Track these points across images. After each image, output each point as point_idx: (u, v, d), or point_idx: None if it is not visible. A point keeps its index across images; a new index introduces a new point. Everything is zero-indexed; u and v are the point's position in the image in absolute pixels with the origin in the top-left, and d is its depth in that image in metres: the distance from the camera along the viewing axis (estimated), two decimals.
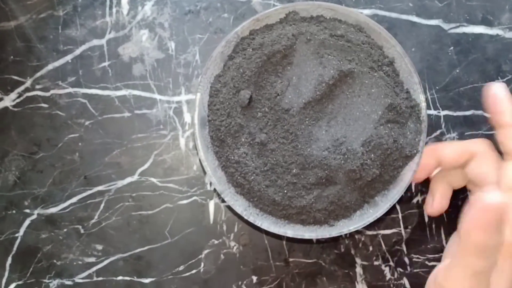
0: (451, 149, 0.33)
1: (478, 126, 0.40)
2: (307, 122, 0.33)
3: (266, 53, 0.33)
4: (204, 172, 0.34)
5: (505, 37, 0.40)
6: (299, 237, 0.34)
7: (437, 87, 0.40)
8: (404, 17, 0.40)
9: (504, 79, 0.40)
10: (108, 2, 0.39)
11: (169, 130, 0.39)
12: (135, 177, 0.39)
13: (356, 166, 0.32)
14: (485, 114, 0.40)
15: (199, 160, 0.34)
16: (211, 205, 0.39)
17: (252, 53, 0.33)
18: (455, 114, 0.40)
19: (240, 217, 0.34)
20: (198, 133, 0.34)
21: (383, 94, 0.33)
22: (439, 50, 0.40)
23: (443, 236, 0.39)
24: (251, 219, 0.34)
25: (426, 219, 0.39)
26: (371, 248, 0.40)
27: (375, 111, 0.33)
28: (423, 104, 0.33)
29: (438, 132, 0.39)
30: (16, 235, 0.39)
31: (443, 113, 0.40)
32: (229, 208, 0.37)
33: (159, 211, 0.39)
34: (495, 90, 0.32)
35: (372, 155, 0.33)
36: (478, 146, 0.33)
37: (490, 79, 0.40)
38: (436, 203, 0.34)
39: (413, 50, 0.40)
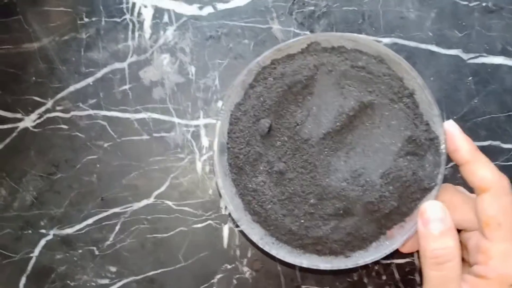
0: None
1: (495, 156, 0.40)
2: (326, 152, 0.33)
3: (287, 82, 0.33)
4: (221, 197, 0.34)
5: None
6: (314, 267, 0.34)
7: (455, 117, 0.40)
8: (423, 46, 0.40)
9: None
10: (130, 26, 0.40)
11: (186, 154, 0.39)
12: (151, 200, 0.39)
13: (375, 198, 0.32)
14: (502, 145, 0.40)
15: (217, 187, 0.34)
16: (226, 229, 0.39)
17: (273, 83, 0.33)
18: None
19: (255, 245, 0.34)
20: (217, 160, 0.34)
21: (403, 126, 0.33)
22: (458, 80, 0.40)
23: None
24: (266, 248, 0.34)
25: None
26: (384, 277, 0.39)
27: (394, 143, 0.33)
28: (443, 137, 0.33)
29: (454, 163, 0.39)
30: (31, 255, 0.39)
31: None
32: (244, 235, 0.37)
33: (174, 234, 0.39)
34: (449, 128, 0.33)
35: (391, 187, 0.33)
36: (442, 195, 0.33)
37: (508, 109, 0.40)
38: (408, 243, 0.34)
39: (431, 80, 0.40)
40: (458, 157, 0.32)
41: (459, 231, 0.34)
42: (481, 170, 0.31)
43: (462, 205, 0.33)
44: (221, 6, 0.40)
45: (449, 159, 0.33)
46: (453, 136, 0.33)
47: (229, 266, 0.39)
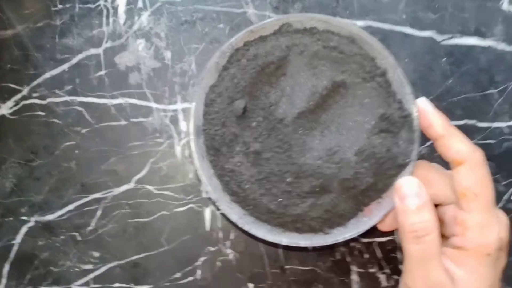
0: None
1: (471, 135, 0.41)
2: (301, 131, 0.34)
3: (260, 64, 0.34)
4: (200, 181, 0.34)
5: (498, 49, 0.41)
6: (294, 245, 0.34)
7: (430, 97, 0.40)
8: (397, 28, 0.40)
9: (497, 89, 0.41)
10: (105, 12, 0.39)
11: (165, 138, 0.40)
12: (131, 185, 0.39)
13: (350, 175, 0.33)
14: (478, 124, 0.41)
15: (195, 170, 0.35)
16: (207, 212, 0.40)
17: (247, 64, 0.34)
18: None
19: (235, 226, 0.35)
20: (193, 142, 0.34)
21: (376, 105, 0.34)
22: (433, 61, 0.41)
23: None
24: (246, 228, 0.34)
25: None
26: (366, 256, 0.40)
27: (368, 121, 0.34)
28: (416, 114, 0.34)
29: (431, 141, 0.40)
30: (13, 242, 0.39)
31: None
32: (224, 216, 0.38)
33: (156, 218, 0.39)
34: (421, 105, 0.33)
35: (366, 164, 0.33)
36: (415, 172, 0.34)
37: (482, 89, 0.41)
38: (388, 221, 0.35)
39: (406, 61, 0.40)
40: (432, 133, 0.33)
41: (435, 206, 0.35)
42: (456, 143, 0.32)
43: (437, 180, 0.34)
44: None
45: (425, 138, 0.34)
46: (426, 112, 0.33)
47: (212, 249, 0.40)
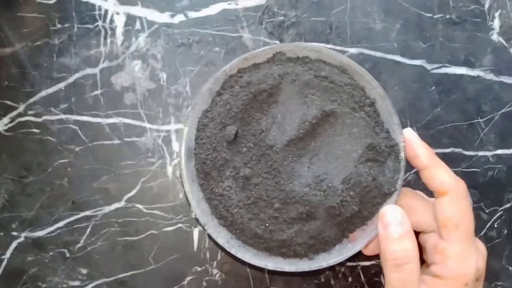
0: None
1: (457, 163, 0.41)
2: (290, 158, 0.35)
3: (253, 91, 0.34)
4: (189, 204, 0.35)
5: (486, 78, 0.42)
6: (279, 269, 0.35)
7: (418, 125, 0.41)
8: (389, 56, 0.41)
9: (484, 119, 0.41)
10: (103, 33, 0.40)
11: (157, 158, 0.40)
12: (122, 203, 0.40)
13: (336, 202, 0.33)
14: (464, 152, 0.42)
15: (185, 193, 0.35)
16: (196, 232, 0.40)
17: (239, 91, 0.34)
18: (435, 151, 0.41)
19: (222, 249, 0.35)
20: (184, 165, 0.35)
21: (364, 134, 0.34)
22: (422, 89, 0.41)
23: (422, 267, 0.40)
24: (232, 251, 0.35)
25: None
26: (350, 279, 0.41)
27: (355, 150, 0.34)
28: (402, 144, 0.35)
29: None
30: (3, 257, 0.39)
31: None
32: (212, 239, 0.38)
33: (144, 237, 0.40)
34: (408, 135, 0.34)
35: (352, 192, 0.34)
36: (400, 199, 0.35)
37: (470, 118, 0.41)
38: (371, 245, 0.36)
39: (396, 89, 0.41)
40: (418, 163, 0.34)
41: (417, 233, 0.36)
42: (440, 174, 0.33)
43: (420, 208, 0.34)
44: (192, 14, 0.40)
45: (410, 166, 0.35)
46: (412, 143, 0.34)
47: (199, 269, 0.40)
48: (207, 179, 0.35)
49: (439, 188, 0.33)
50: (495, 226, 0.42)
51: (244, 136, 0.35)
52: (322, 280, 0.40)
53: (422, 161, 0.33)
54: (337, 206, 0.33)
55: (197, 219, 0.38)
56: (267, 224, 0.34)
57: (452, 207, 0.32)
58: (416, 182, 0.40)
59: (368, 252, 0.36)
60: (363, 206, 0.34)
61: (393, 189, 0.35)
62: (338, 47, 0.41)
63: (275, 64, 0.35)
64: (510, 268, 0.41)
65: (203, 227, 0.35)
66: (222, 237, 0.35)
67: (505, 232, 0.42)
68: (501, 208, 0.42)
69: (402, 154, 0.35)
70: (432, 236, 0.34)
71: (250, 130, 0.35)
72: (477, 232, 0.41)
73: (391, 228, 0.32)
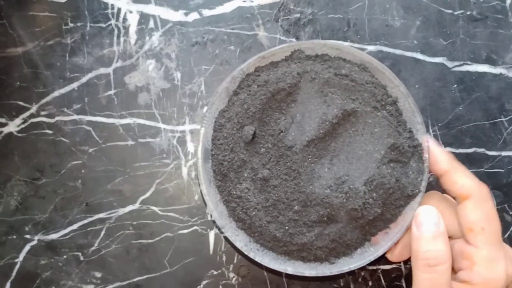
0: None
1: (480, 163, 0.40)
2: (309, 159, 0.34)
3: (271, 90, 0.33)
4: (205, 204, 0.34)
5: (509, 76, 0.41)
6: (299, 274, 0.34)
7: (439, 124, 0.40)
8: (408, 54, 0.40)
9: (507, 118, 0.40)
10: (116, 32, 0.39)
11: (172, 159, 0.39)
12: (136, 205, 0.39)
13: (358, 205, 0.33)
14: (487, 152, 0.40)
15: (201, 193, 0.34)
16: (212, 235, 0.39)
17: (257, 90, 0.34)
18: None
19: (240, 252, 0.34)
20: (201, 167, 0.34)
21: (386, 134, 0.33)
22: (443, 87, 0.40)
23: None
24: (251, 255, 0.34)
25: None
26: (370, 283, 0.40)
27: (377, 150, 0.33)
28: (426, 144, 0.34)
29: None
30: (16, 260, 0.39)
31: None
32: (229, 242, 0.38)
33: (159, 240, 0.39)
34: (428, 143, 0.34)
35: (374, 194, 0.33)
36: (428, 202, 0.34)
37: (492, 117, 0.40)
38: (397, 251, 0.35)
39: (416, 87, 0.40)
40: (437, 169, 0.33)
41: None
42: (461, 178, 0.32)
43: (448, 212, 0.33)
44: (207, 12, 0.40)
45: None
46: (434, 150, 0.33)
47: (215, 272, 0.39)
48: (224, 180, 0.34)
49: (461, 192, 0.32)
50: None
51: (262, 136, 0.34)
52: (342, 284, 0.40)
53: (441, 166, 0.33)
54: (359, 208, 0.33)
55: (214, 222, 0.37)
56: (286, 227, 0.34)
57: (477, 210, 0.31)
58: (438, 184, 0.39)
59: (394, 258, 0.35)
60: (386, 209, 0.34)
61: (417, 190, 0.34)
62: (356, 45, 0.40)
63: (293, 62, 0.34)
64: None
65: (220, 230, 0.34)
66: (240, 240, 0.34)
67: None
68: None
69: (426, 155, 0.34)
70: (458, 242, 0.33)
71: (268, 130, 0.34)
72: (501, 234, 0.40)
73: (425, 227, 0.31)
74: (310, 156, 0.34)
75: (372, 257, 0.34)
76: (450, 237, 0.34)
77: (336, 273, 0.34)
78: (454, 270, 0.33)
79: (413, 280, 0.31)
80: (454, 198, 0.33)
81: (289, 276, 0.39)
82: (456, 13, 0.40)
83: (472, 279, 0.31)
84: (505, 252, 0.31)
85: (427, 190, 0.34)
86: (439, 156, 0.33)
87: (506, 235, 0.40)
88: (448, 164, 0.33)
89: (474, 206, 0.31)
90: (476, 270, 0.31)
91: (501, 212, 0.40)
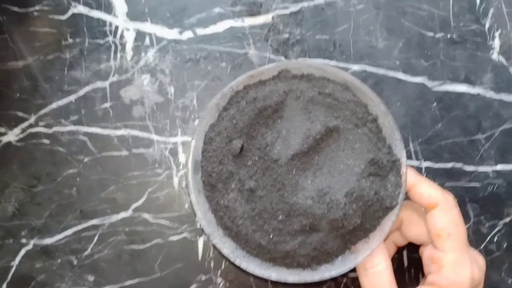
0: None
1: (457, 178, 0.42)
2: (294, 172, 0.35)
3: (259, 107, 0.35)
4: (195, 214, 0.36)
5: (486, 96, 0.42)
6: (282, 280, 0.36)
7: (420, 140, 0.42)
8: (391, 73, 0.42)
9: (484, 135, 0.42)
10: (113, 48, 0.41)
11: (164, 169, 0.41)
12: (129, 213, 0.41)
13: (339, 215, 0.34)
14: (465, 167, 0.42)
15: (191, 202, 0.36)
16: (200, 242, 0.41)
17: (245, 106, 0.35)
18: (436, 165, 0.42)
19: (227, 259, 0.36)
20: (191, 178, 0.36)
21: (366, 149, 0.35)
22: (423, 105, 0.42)
23: (421, 280, 0.40)
24: (237, 262, 0.35)
25: (405, 263, 0.41)
26: None
27: (358, 164, 0.35)
28: (403, 160, 0.35)
29: None
30: (12, 263, 0.40)
31: (424, 164, 0.42)
32: (217, 249, 0.39)
33: (150, 246, 0.41)
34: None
35: (354, 205, 0.34)
36: (401, 212, 0.36)
37: (470, 134, 0.42)
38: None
39: (398, 105, 0.42)
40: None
41: (417, 245, 0.37)
42: (427, 190, 0.34)
43: (420, 221, 0.36)
44: (200, 31, 0.42)
45: None
46: None
47: (203, 277, 0.41)
48: (213, 191, 0.36)
49: (428, 202, 0.34)
50: (495, 239, 0.42)
51: (249, 150, 0.36)
52: None
53: (408, 181, 0.35)
54: (340, 219, 0.34)
55: (202, 230, 0.39)
56: (271, 236, 0.35)
57: (443, 217, 0.33)
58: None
59: None
60: (365, 219, 0.35)
61: (394, 203, 0.35)
62: (341, 64, 0.42)
63: (280, 81, 0.36)
64: (509, 281, 0.42)
65: (208, 237, 0.36)
66: (227, 247, 0.36)
67: (505, 245, 0.42)
68: (500, 222, 0.42)
69: (403, 169, 0.35)
70: (428, 248, 0.35)
71: (256, 144, 0.36)
72: (477, 245, 0.42)
73: None
74: (294, 169, 0.35)
75: (352, 265, 0.35)
76: (421, 244, 0.36)
77: (318, 280, 0.36)
78: (424, 275, 0.35)
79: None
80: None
81: (274, 282, 0.41)
82: (437, 35, 0.42)
83: (439, 281, 0.33)
84: (471, 256, 0.34)
85: None
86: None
87: (481, 247, 0.42)
88: (413, 178, 0.35)
89: (440, 214, 0.33)
90: (443, 273, 0.33)
91: (477, 224, 0.42)
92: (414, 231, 0.35)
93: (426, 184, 0.35)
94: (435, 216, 0.33)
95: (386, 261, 0.34)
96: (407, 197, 0.36)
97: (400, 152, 0.36)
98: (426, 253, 0.35)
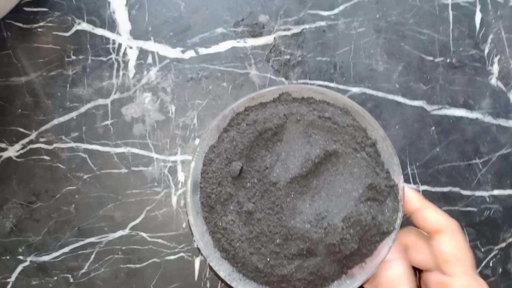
0: None
1: (454, 202, 0.42)
2: (292, 195, 0.36)
3: (259, 129, 0.36)
4: (192, 234, 0.36)
5: (484, 121, 0.43)
6: None
7: (417, 163, 0.42)
8: (390, 96, 0.43)
9: (481, 160, 0.43)
10: (115, 65, 0.41)
11: (163, 188, 0.41)
12: (126, 231, 0.41)
13: (336, 240, 0.34)
14: (462, 191, 0.43)
15: (189, 223, 0.36)
16: (197, 262, 0.41)
17: (246, 128, 0.36)
18: (433, 189, 0.42)
19: (223, 281, 0.36)
20: (189, 198, 0.36)
21: (364, 174, 0.36)
22: (422, 129, 0.43)
23: None
24: (233, 284, 0.35)
25: None
26: None
27: (356, 189, 0.35)
28: (401, 185, 0.36)
29: None
30: (8, 280, 0.40)
31: (422, 187, 0.42)
32: (213, 271, 0.39)
33: (147, 265, 0.41)
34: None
35: (352, 230, 0.35)
36: (406, 237, 0.36)
37: (468, 159, 0.43)
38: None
39: (397, 128, 0.42)
40: (409, 207, 0.35)
41: (421, 271, 0.37)
42: (432, 215, 0.34)
43: (425, 246, 0.35)
44: (203, 51, 0.42)
45: None
46: (406, 190, 0.36)
47: None
48: (211, 212, 0.36)
49: (433, 227, 0.34)
50: (490, 264, 0.42)
51: (248, 172, 0.36)
52: None
53: (413, 205, 0.35)
54: (337, 243, 0.34)
55: (200, 251, 0.39)
56: (268, 259, 0.35)
57: (450, 243, 0.33)
58: (409, 221, 0.41)
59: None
60: (362, 244, 0.35)
61: (392, 228, 0.36)
62: (341, 86, 0.42)
63: (280, 104, 0.36)
64: None
65: (205, 259, 0.36)
66: (224, 270, 0.36)
67: (500, 270, 0.42)
68: (496, 247, 0.42)
69: (401, 194, 0.36)
70: (434, 274, 0.35)
71: (255, 167, 0.36)
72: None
73: None
74: (292, 192, 0.36)
75: None
76: (426, 270, 0.36)
77: None
78: None
79: None
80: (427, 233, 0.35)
81: None
82: (436, 60, 0.43)
83: None
84: (476, 280, 0.33)
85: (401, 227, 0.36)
86: (409, 196, 0.35)
87: (477, 271, 0.42)
88: (418, 202, 0.35)
89: (447, 239, 0.33)
90: None
91: (473, 248, 0.42)
92: (420, 257, 0.35)
93: (431, 209, 0.35)
94: (441, 242, 0.34)
95: (410, 280, 0.34)
96: (404, 221, 0.36)
97: (397, 177, 0.36)
98: (434, 279, 0.35)
